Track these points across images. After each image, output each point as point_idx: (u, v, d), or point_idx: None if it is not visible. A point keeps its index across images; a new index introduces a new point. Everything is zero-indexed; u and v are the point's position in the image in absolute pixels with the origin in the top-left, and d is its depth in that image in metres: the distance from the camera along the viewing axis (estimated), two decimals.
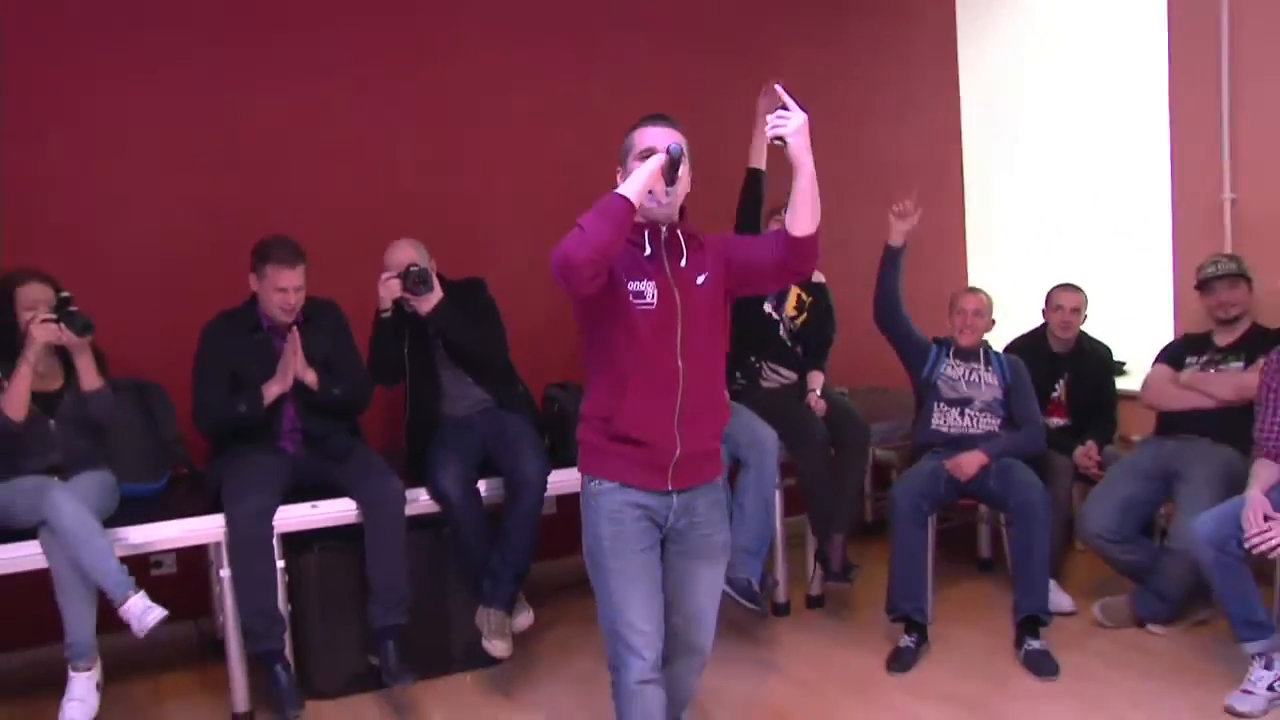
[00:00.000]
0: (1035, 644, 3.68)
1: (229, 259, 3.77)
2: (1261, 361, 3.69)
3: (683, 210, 2.54)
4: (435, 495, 3.67)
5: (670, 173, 2.36)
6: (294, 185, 4.37)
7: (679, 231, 2.51)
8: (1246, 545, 3.24)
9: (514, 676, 3.78)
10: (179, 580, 4.05)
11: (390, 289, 3.72)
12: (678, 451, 2.47)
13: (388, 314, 3.78)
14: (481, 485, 3.75)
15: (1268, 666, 3.30)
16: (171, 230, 4.18)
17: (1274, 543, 3.20)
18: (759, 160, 4.21)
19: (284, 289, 3.57)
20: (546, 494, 3.72)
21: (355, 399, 3.79)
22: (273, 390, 3.57)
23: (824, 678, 3.69)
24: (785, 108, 2.34)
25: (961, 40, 5.98)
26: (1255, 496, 3.32)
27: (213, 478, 3.56)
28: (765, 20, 5.31)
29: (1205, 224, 4.49)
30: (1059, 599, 4.04)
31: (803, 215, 2.40)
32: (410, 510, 3.61)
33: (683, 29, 5.14)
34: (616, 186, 2.43)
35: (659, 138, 2.43)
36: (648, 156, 2.39)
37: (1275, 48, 4.24)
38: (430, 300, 3.72)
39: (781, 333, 4.37)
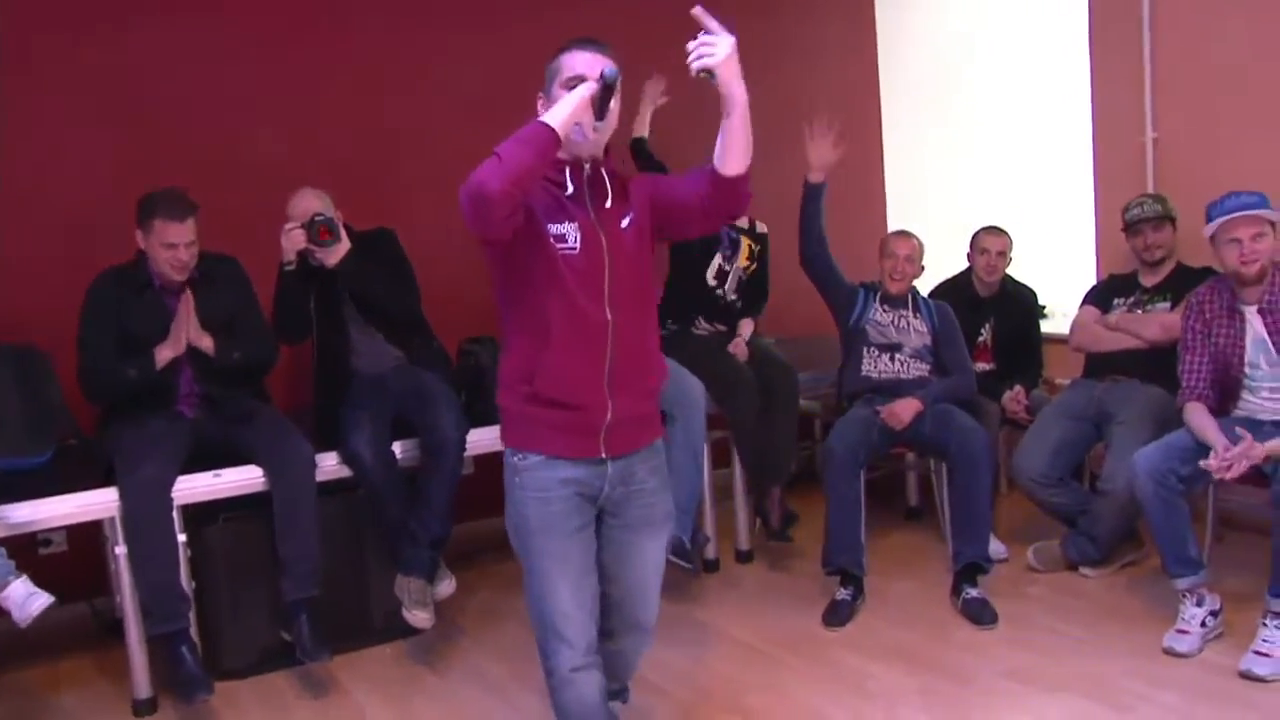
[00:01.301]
0: (974, 592, 3.64)
1: (117, 212, 3.50)
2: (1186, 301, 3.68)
3: (608, 148, 2.31)
4: (347, 458, 3.49)
5: (602, 104, 2.14)
6: (188, 135, 4.11)
7: (603, 170, 2.29)
8: (1211, 467, 3.18)
9: (438, 647, 3.63)
10: (71, 559, 3.82)
11: (294, 240, 3.49)
12: (609, 415, 2.25)
13: (292, 267, 3.54)
14: (396, 447, 3.58)
15: (1198, 603, 3.31)
16: (52, 183, 3.90)
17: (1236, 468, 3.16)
18: (642, 128, 4.23)
19: (173, 245, 3.31)
20: (465, 453, 3.55)
21: (259, 361, 3.59)
22: (165, 354, 3.33)
23: (764, 637, 3.60)
24: (708, 32, 2.07)
25: None
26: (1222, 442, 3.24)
27: (104, 447, 3.33)
28: None
29: (1127, 165, 4.47)
30: (993, 547, 3.99)
31: (735, 153, 2.17)
32: (321, 475, 3.43)
33: None
34: (538, 116, 2.20)
35: (589, 64, 2.18)
36: (575, 85, 2.16)
37: None
38: (337, 252, 3.50)
39: (727, 288, 4.31)
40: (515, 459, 2.29)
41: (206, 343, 3.38)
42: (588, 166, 2.26)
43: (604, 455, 2.28)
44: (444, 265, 4.07)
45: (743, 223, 4.37)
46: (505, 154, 2.01)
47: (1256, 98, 4.03)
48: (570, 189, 2.24)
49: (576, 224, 2.22)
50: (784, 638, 3.58)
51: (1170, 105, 4.34)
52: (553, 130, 2.06)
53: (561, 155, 2.18)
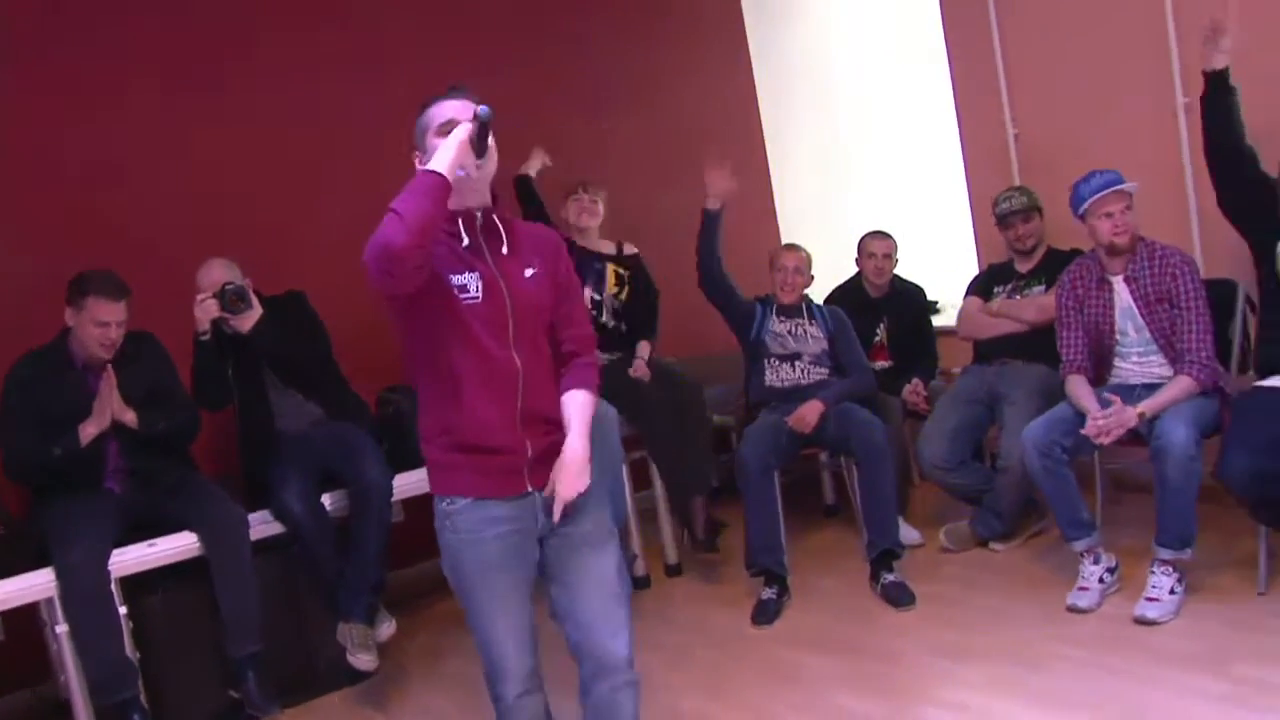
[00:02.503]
0: (890, 577, 3.81)
1: (22, 291, 3.53)
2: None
3: (495, 195, 2.36)
4: (279, 514, 3.56)
5: (480, 142, 2.19)
6: (86, 212, 4.11)
7: (495, 217, 2.34)
8: (1091, 432, 3.40)
9: (386, 688, 3.70)
10: (8, 647, 3.76)
11: (207, 310, 3.57)
12: (530, 453, 2.30)
13: (207, 336, 3.62)
14: (325, 499, 3.66)
15: (1095, 561, 3.52)
16: None
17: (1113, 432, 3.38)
18: (530, 169, 4.44)
19: (105, 323, 3.38)
20: (393, 498, 3.64)
21: (182, 430, 3.65)
22: (89, 430, 3.37)
23: (698, 641, 3.74)
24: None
25: (745, 7, 6.11)
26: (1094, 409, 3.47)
27: (34, 529, 3.36)
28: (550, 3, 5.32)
29: (993, 160, 4.74)
30: (907, 533, 4.19)
31: None
32: (254, 534, 3.49)
33: (466, 13, 5.08)
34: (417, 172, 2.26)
35: (459, 110, 2.23)
36: (449, 131, 2.19)
37: None
38: (250, 318, 3.59)
39: (604, 317, 4.42)
40: (444, 505, 2.32)
41: (130, 417, 3.44)
42: (480, 215, 2.31)
43: (530, 489, 2.32)
44: (355, 319, 4.12)
45: (607, 249, 4.52)
46: (403, 208, 2.05)
47: (1098, 87, 4.32)
48: (466, 240, 2.28)
49: (477, 273, 2.25)
50: (717, 640, 3.72)
51: (1025, 102, 4.63)
52: (441, 176, 2.12)
53: (452, 206, 2.22)
